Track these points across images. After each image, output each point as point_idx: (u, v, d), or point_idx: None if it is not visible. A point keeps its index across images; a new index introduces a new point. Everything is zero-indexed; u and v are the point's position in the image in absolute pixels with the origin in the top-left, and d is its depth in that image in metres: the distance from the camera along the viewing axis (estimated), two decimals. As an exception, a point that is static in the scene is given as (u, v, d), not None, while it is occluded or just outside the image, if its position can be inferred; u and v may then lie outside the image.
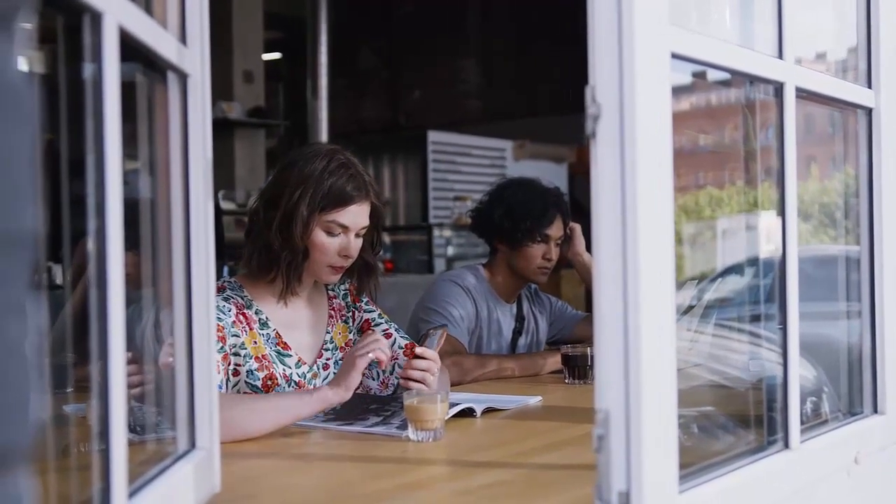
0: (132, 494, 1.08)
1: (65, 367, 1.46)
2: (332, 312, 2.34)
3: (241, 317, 2.14)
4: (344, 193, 2.14)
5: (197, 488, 1.31)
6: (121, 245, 1.01)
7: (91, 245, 1.00)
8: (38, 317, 0.56)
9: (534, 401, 2.30)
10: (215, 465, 1.40)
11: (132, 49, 1.11)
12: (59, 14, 1.01)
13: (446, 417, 1.88)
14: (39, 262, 0.61)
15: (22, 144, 0.53)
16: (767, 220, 1.86)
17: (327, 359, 2.29)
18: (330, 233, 2.15)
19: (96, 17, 0.98)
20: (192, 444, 1.35)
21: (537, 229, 2.92)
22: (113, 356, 1.00)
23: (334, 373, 2.26)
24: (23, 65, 0.55)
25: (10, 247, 0.52)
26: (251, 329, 2.15)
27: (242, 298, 2.18)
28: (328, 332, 2.31)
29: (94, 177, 0.99)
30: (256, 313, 2.19)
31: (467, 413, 2.07)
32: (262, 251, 2.16)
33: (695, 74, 1.43)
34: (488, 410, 2.13)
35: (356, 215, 2.17)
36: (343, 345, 2.32)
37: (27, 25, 0.57)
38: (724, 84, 1.68)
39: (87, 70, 1.01)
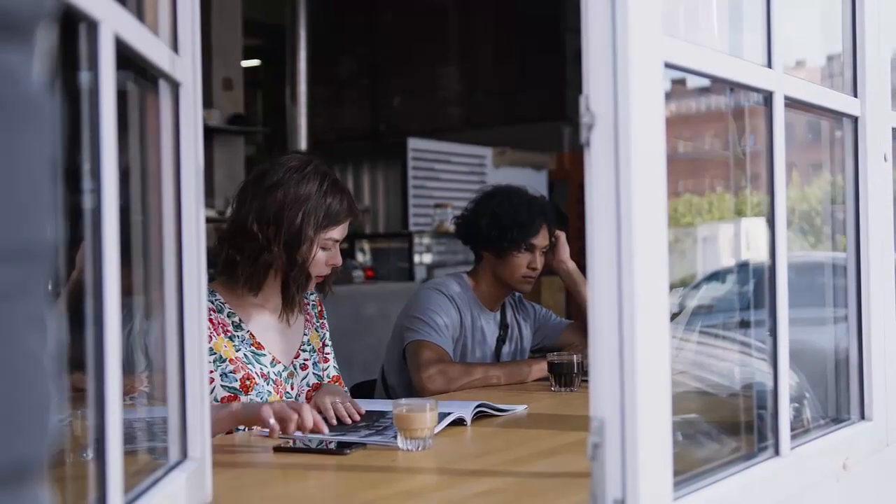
0: (127, 506, 1.07)
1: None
2: (308, 316, 2.42)
3: (208, 322, 2.16)
4: (341, 212, 2.26)
5: (189, 498, 1.31)
6: (116, 254, 1.00)
7: (86, 253, 1.00)
8: (57, 328, 0.56)
9: (520, 409, 2.30)
10: (207, 476, 1.39)
11: (124, 57, 1.10)
12: (54, 22, 1.00)
13: (439, 429, 1.88)
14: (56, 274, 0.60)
15: (42, 156, 0.53)
16: (748, 227, 1.87)
17: (305, 359, 2.36)
18: (324, 248, 2.26)
19: (93, 26, 0.98)
20: (185, 455, 1.34)
21: (523, 239, 2.92)
22: (109, 366, 0.99)
23: (313, 373, 2.36)
24: (42, 76, 0.54)
25: (31, 258, 0.52)
26: (219, 334, 2.20)
27: (213, 302, 2.22)
28: (305, 335, 2.38)
29: (91, 185, 0.98)
30: (229, 316, 2.24)
31: (457, 422, 2.06)
32: (263, 269, 2.21)
33: (674, 81, 1.43)
34: (479, 415, 2.14)
35: (345, 228, 2.30)
36: (317, 349, 2.41)
37: (46, 37, 0.57)
38: (703, 91, 1.69)
39: (83, 78, 1.00)
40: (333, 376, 2.42)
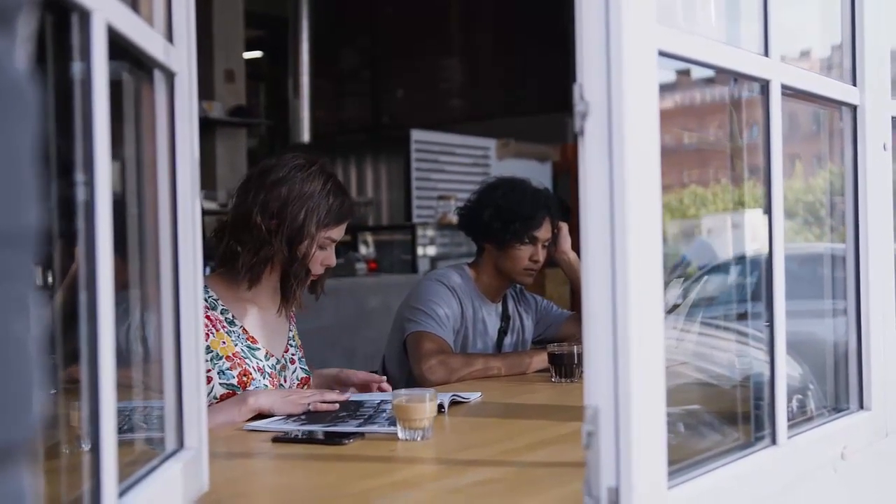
0: (122, 494, 1.08)
1: (51, 368, 1.45)
2: (292, 313, 2.45)
3: (205, 319, 2.18)
4: (342, 213, 2.28)
5: (186, 487, 1.31)
6: (110, 246, 1.00)
7: (79, 246, 1.00)
8: (41, 314, 0.57)
9: (475, 396, 2.32)
10: (204, 465, 1.40)
11: (118, 47, 1.10)
12: (46, 12, 1.00)
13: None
14: (40, 260, 0.61)
15: (26, 141, 0.53)
16: (752, 219, 1.87)
17: (292, 354, 2.40)
18: (322, 247, 2.28)
19: (85, 16, 0.98)
20: (181, 444, 1.35)
21: (526, 231, 2.91)
22: (102, 357, 0.99)
23: (301, 367, 2.40)
24: (24, 63, 0.55)
25: (15, 243, 0.52)
26: (217, 330, 2.21)
27: (206, 300, 2.23)
28: (291, 330, 2.42)
29: (84, 177, 0.99)
30: (222, 312, 2.25)
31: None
32: (263, 261, 2.23)
33: (678, 72, 1.43)
34: (454, 403, 2.18)
35: (343, 230, 2.32)
36: (299, 345, 2.45)
37: (28, 24, 0.57)
38: (708, 82, 1.69)
39: (75, 69, 1.00)
40: (303, 378, 2.42)
